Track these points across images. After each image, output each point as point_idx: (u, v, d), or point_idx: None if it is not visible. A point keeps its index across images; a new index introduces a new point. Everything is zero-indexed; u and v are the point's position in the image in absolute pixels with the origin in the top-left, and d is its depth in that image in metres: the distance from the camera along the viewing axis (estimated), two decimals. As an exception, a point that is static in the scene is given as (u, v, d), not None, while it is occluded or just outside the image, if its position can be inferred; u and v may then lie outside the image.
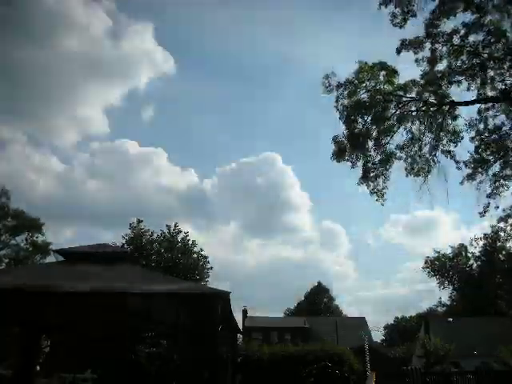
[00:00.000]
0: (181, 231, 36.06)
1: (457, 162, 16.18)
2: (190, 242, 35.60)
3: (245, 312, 48.70)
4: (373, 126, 15.83)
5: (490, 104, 15.80)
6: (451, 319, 41.30)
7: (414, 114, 15.93)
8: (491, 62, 14.71)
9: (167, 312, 15.45)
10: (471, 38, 14.66)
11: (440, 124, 15.86)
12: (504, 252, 52.58)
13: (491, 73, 15.06)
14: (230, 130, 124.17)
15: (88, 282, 15.13)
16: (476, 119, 16.09)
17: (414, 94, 15.63)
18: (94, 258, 17.95)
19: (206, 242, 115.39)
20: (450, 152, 16.03)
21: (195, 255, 35.67)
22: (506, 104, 15.49)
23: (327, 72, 15.70)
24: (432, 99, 15.56)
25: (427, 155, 16.22)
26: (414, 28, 14.87)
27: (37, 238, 44.15)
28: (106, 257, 18.31)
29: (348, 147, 15.94)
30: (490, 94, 15.31)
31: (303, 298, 73.77)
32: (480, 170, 16.47)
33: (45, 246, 43.79)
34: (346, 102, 15.72)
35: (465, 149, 16.46)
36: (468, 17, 14.30)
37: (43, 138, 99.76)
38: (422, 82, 15.44)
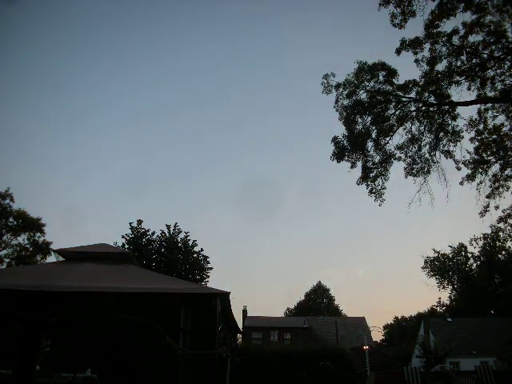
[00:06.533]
0: (181, 231, 36.11)
1: (456, 162, 16.21)
2: (191, 242, 35.65)
3: (245, 312, 48.63)
4: (372, 126, 15.85)
5: (489, 104, 15.79)
6: (451, 319, 41.34)
7: (413, 114, 15.93)
8: (491, 62, 14.69)
9: (166, 312, 15.47)
10: (471, 38, 14.68)
11: (440, 124, 15.85)
12: (504, 252, 52.61)
13: (491, 73, 15.07)
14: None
15: (88, 282, 15.16)
16: (476, 119, 16.10)
17: (413, 95, 15.64)
18: (94, 257, 18.00)
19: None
20: (449, 152, 16.04)
21: (195, 255, 35.68)
22: (506, 104, 15.48)
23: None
24: (432, 99, 15.56)
25: (427, 155, 16.24)
26: (414, 28, 14.91)
27: (38, 238, 44.33)
28: (106, 257, 18.36)
29: (348, 147, 15.96)
30: (490, 94, 15.32)
31: (303, 298, 73.66)
32: (480, 170, 16.48)
33: (45, 245, 43.91)
34: (345, 102, 15.74)
35: (464, 149, 16.50)
36: (468, 17, 14.31)
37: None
38: (421, 82, 15.43)
